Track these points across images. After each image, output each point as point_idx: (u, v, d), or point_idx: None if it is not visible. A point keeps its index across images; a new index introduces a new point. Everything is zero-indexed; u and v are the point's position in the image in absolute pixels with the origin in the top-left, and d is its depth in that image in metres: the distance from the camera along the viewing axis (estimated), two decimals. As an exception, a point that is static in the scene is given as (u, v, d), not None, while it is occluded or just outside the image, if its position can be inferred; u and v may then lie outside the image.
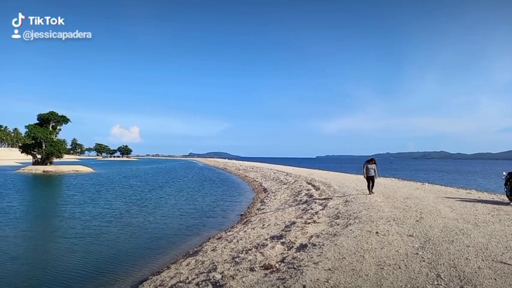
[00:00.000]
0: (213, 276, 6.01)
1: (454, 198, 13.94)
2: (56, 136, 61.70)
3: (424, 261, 5.57)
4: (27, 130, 58.75)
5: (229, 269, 6.40)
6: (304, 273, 5.16)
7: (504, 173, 13.13)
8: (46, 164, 58.03)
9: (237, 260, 6.98)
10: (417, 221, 8.83)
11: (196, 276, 6.55)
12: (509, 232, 7.49)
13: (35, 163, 59.17)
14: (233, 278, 5.70)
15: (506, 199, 13.00)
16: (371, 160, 14.95)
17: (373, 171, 14.74)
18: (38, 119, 61.48)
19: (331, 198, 14.76)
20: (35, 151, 59.58)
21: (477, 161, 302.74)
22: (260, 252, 7.11)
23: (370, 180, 14.96)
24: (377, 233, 7.56)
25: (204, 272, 6.70)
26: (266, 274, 5.62)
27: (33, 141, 58.79)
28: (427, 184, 23.29)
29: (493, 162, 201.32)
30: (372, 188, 15.00)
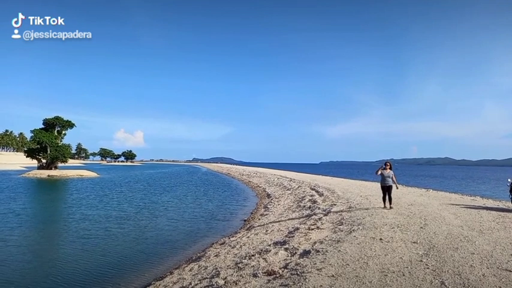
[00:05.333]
0: (215, 282, 6.00)
1: (458, 205, 13.85)
2: (61, 141, 62.17)
3: (428, 268, 5.54)
4: (32, 135, 59.26)
5: (232, 274, 6.39)
6: (307, 280, 5.15)
7: (509, 180, 13.05)
8: (51, 169, 58.41)
9: (240, 265, 6.97)
10: (421, 227, 8.78)
11: (199, 282, 6.54)
12: (515, 239, 7.43)
13: (40, 167, 59.56)
14: (236, 284, 5.69)
15: (511, 206, 12.90)
16: (386, 164, 12.44)
17: (390, 179, 12.16)
18: (43, 124, 62.08)
19: (335, 204, 14.71)
20: (40, 156, 60.04)
21: (482, 167, 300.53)
22: (263, 258, 7.10)
23: (387, 191, 12.29)
24: (381, 239, 7.52)
25: (206, 278, 6.69)
26: (269, 280, 5.60)
27: (38, 146, 59.25)
28: (431, 190, 23.16)
29: (498, 169, 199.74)
30: (390, 202, 12.30)
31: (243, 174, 61.29)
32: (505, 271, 5.34)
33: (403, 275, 5.23)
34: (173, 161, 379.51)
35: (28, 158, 63.15)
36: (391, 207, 12.13)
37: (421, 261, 5.91)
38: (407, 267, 5.59)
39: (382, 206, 12.55)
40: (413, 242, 7.22)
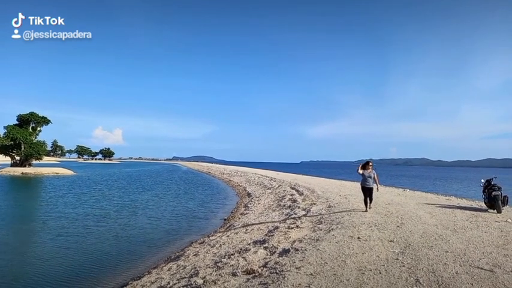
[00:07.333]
0: (194, 281, 5.94)
1: (434, 204, 14.23)
2: (35, 137, 60.24)
3: (404, 266, 5.65)
4: (5, 131, 57.18)
5: (211, 273, 6.34)
6: (286, 278, 5.16)
7: (482, 180, 13.43)
8: (25, 166, 56.51)
9: (219, 264, 6.93)
10: (398, 226, 8.96)
11: (177, 281, 6.46)
12: (487, 238, 7.69)
13: (13, 165, 57.56)
14: (215, 283, 5.65)
15: (484, 206, 13.31)
16: (367, 164, 11.51)
17: (371, 180, 11.36)
18: (17, 120, 60.03)
19: (315, 204, 14.84)
20: (13, 152, 57.93)
21: (457, 168, 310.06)
22: (243, 257, 7.08)
23: (368, 192, 11.51)
24: (359, 238, 7.63)
25: (185, 277, 6.62)
26: (248, 279, 5.59)
27: (11, 142, 57.10)
28: (408, 190, 23.72)
29: (472, 169, 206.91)
30: (370, 203, 11.72)
31: (223, 173, 61.01)
32: (477, 269, 5.51)
33: (380, 273, 5.32)
34: (153, 159, 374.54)
35: (1, 155, 60.90)
36: (370, 207, 11.72)
37: (397, 259, 6.02)
38: (384, 265, 5.69)
39: (364, 209, 11.79)
40: (390, 241, 7.36)
